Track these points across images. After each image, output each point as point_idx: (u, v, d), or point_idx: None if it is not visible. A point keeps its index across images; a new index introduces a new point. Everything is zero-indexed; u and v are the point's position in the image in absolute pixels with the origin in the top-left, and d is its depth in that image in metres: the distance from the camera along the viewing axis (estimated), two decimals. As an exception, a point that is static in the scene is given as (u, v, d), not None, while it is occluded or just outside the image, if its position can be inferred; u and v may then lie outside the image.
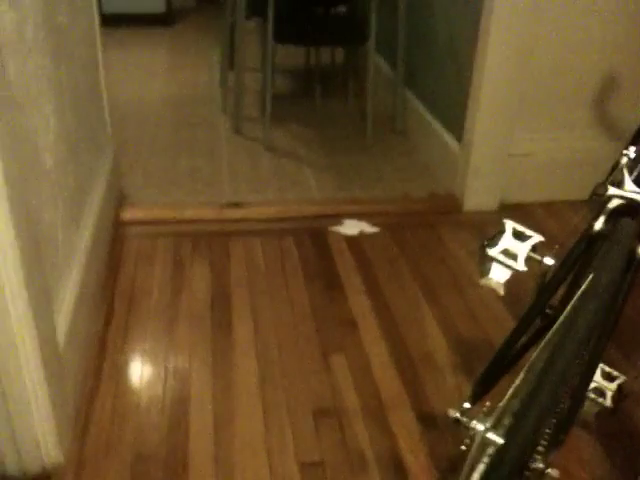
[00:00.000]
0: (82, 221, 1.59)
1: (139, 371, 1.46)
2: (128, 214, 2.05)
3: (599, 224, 0.82)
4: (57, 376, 1.21)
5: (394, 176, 2.37)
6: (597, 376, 1.14)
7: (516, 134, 2.09)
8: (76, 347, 1.38)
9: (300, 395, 1.41)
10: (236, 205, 2.13)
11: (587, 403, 1.12)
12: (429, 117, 2.45)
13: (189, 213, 2.09)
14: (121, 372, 1.46)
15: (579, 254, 0.91)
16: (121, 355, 1.50)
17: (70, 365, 1.32)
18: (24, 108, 1.15)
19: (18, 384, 1.11)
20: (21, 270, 1.04)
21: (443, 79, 2.33)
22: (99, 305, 1.65)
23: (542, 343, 0.92)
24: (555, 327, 0.90)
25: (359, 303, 1.70)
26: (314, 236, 1.99)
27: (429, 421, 1.36)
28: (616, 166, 0.86)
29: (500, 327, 1.63)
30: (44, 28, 1.30)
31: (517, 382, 0.91)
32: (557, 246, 0.94)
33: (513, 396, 0.90)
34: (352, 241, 1.97)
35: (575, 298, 0.86)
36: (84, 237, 1.57)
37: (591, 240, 0.86)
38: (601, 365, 1.15)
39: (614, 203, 0.80)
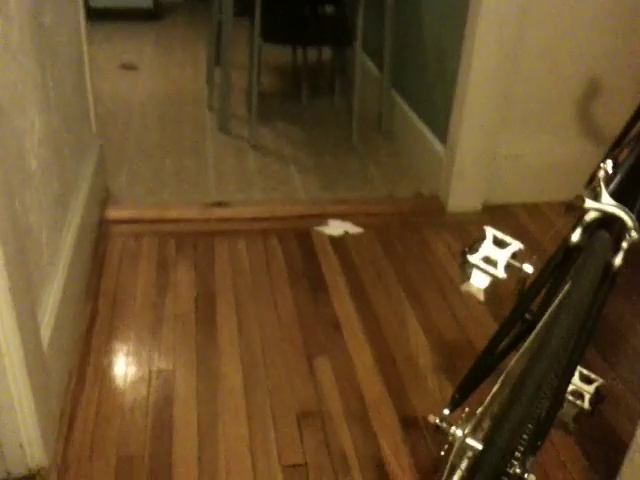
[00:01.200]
0: (67, 222, 1.59)
1: (123, 372, 1.47)
2: (113, 213, 2.05)
3: (576, 236, 0.84)
4: (41, 378, 1.22)
5: (379, 177, 2.38)
6: (575, 379, 1.16)
7: (501, 137, 2.11)
8: (60, 348, 1.38)
9: (284, 397, 1.42)
10: (221, 204, 2.14)
11: (566, 405, 1.14)
12: (415, 118, 2.46)
13: (174, 212, 2.09)
14: (105, 373, 1.46)
15: (557, 263, 0.92)
16: (105, 356, 1.51)
17: (54, 366, 1.32)
18: (8, 111, 1.15)
19: (2, 386, 1.11)
20: (5, 273, 1.04)
21: (429, 81, 2.35)
22: (83, 306, 1.65)
23: (520, 350, 0.94)
24: (533, 335, 0.92)
25: (343, 305, 1.72)
26: (299, 236, 2.00)
27: (411, 423, 1.38)
28: (593, 177, 0.88)
29: (482, 329, 1.65)
30: (29, 30, 1.30)
31: (495, 389, 0.93)
32: (535, 257, 0.95)
33: (491, 402, 0.92)
34: (337, 241, 1.99)
35: (552, 307, 0.88)
36: (68, 238, 1.57)
37: (569, 250, 0.87)
38: (579, 368, 1.17)
39: (591, 215, 0.82)
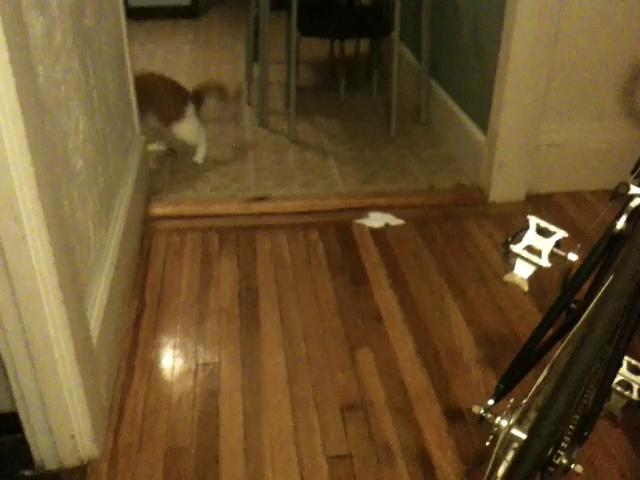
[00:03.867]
0: (112, 219, 1.63)
1: (170, 365, 1.50)
2: (157, 209, 2.08)
3: (621, 223, 0.82)
4: (91, 371, 1.25)
5: (419, 168, 2.37)
6: (623, 369, 1.14)
7: (542, 125, 2.07)
8: (109, 343, 1.42)
9: (327, 389, 1.43)
10: (262, 199, 2.15)
11: (614, 396, 1.12)
12: (454, 108, 2.44)
13: (216, 208, 2.12)
14: (153, 366, 1.49)
15: (602, 252, 0.91)
16: (152, 350, 1.54)
17: (103, 360, 1.36)
18: (53, 112, 1.18)
19: (53, 380, 1.15)
20: (55, 270, 1.07)
21: (468, 70, 2.32)
22: (130, 300, 1.69)
23: (565, 340, 0.93)
24: (577, 325, 0.91)
25: (385, 297, 1.72)
26: (339, 229, 2.01)
27: (455, 415, 1.37)
28: (639, 164, 0.86)
29: (526, 320, 1.64)
30: (72, 32, 1.33)
31: (540, 379, 0.92)
32: (579, 245, 0.94)
33: (537, 393, 0.91)
34: (377, 234, 1.99)
35: (597, 297, 0.87)
36: (114, 234, 1.60)
37: (613, 238, 0.86)
38: (627, 358, 1.15)
39: (636, 202, 0.81)
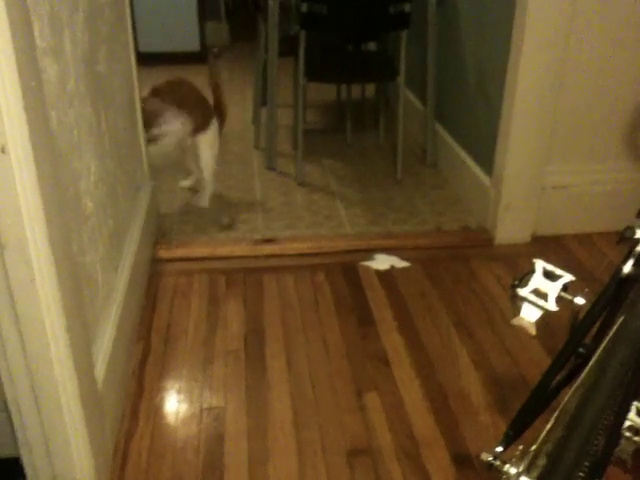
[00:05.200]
0: (121, 260, 1.64)
1: (175, 410, 1.49)
2: (165, 252, 2.10)
3: (628, 267, 0.82)
4: (96, 416, 1.24)
5: (426, 210, 2.38)
6: (632, 414, 1.13)
7: (548, 167, 2.09)
8: (114, 385, 1.41)
9: (334, 434, 1.41)
10: (269, 241, 2.16)
11: (623, 442, 1.11)
12: (460, 151, 2.46)
13: (223, 250, 2.13)
14: (158, 410, 1.48)
15: (610, 295, 0.91)
16: (158, 393, 1.53)
17: (108, 403, 1.35)
18: (65, 156, 1.20)
19: (59, 425, 1.14)
20: (62, 313, 1.07)
21: (473, 113, 2.35)
22: (136, 342, 1.68)
23: (575, 385, 0.92)
24: (587, 369, 0.90)
25: (392, 340, 1.71)
26: (346, 271, 2.01)
27: (464, 461, 1.35)
28: (645, 208, 0.87)
29: (534, 363, 1.62)
30: (84, 77, 1.36)
31: (550, 425, 0.91)
32: (587, 289, 0.94)
33: (546, 439, 0.90)
34: (383, 276, 1.99)
35: (606, 341, 0.86)
36: (122, 276, 1.61)
37: (621, 282, 0.86)
38: (636, 403, 1.14)
39: (643, 246, 0.81)
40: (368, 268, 2.02)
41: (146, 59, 3.97)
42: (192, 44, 4.29)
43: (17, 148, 0.94)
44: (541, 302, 0.98)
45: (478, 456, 1.35)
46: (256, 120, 3.05)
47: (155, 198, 2.19)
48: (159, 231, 2.19)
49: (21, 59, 0.94)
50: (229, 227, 2.16)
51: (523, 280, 1.00)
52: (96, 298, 1.37)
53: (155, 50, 4.16)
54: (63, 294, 1.07)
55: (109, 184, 1.55)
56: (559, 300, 0.97)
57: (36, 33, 1.06)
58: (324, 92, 3.41)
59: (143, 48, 4.04)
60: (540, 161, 2.07)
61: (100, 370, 1.31)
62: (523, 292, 0.99)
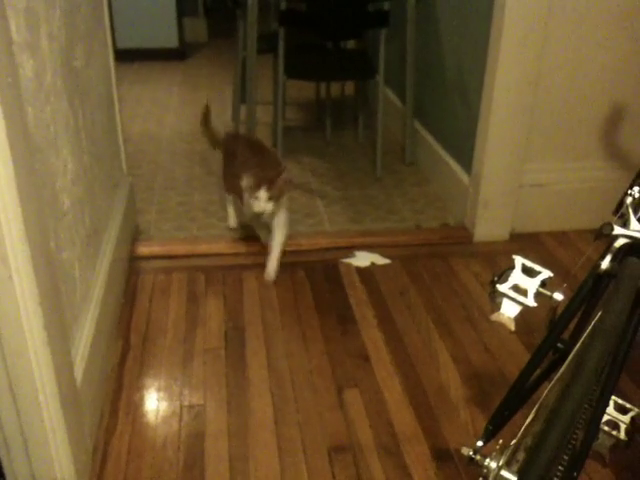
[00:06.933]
0: (98, 258, 1.62)
1: (155, 408, 1.48)
2: (143, 249, 2.08)
3: (605, 263, 0.83)
4: (75, 414, 1.23)
5: (405, 207, 2.39)
6: (610, 409, 1.15)
7: (526, 165, 2.11)
8: (93, 384, 1.40)
9: (315, 431, 1.42)
10: (249, 238, 2.15)
11: (601, 436, 1.12)
12: (439, 149, 2.47)
13: (203, 247, 2.12)
14: (137, 409, 1.47)
15: (587, 291, 0.92)
16: (137, 391, 1.52)
17: (87, 402, 1.34)
18: (42, 152, 1.19)
19: (37, 424, 1.13)
20: (40, 312, 1.06)
21: (452, 111, 2.36)
22: (115, 340, 1.67)
23: (553, 380, 0.93)
24: (566, 364, 0.91)
25: (372, 336, 1.71)
26: (326, 268, 2.01)
27: (444, 456, 1.36)
28: (621, 204, 0.88)
29: (513, 359, 1.64)
30: (62, 73, 1.34)
31: (529, 419, 0.92)
32: (565, 285, 0.95)
33: (525, 434, 0.91)
34: (364, 273, 1.99)
35: (584, 336, 0.87)
36: (100, 274, 1.59)
37: (598, 278, 0.87)
38: (614, 398, 1.15)
39: (620, 242, 0.82)
40: (349, 265, 2.03)
41: (124, 55, 3.96)
42: (170, 40, 4.26)
43: (-7, 144, 0.93)
44: (520, 298, 0.99)
45: (458, 451, 1.36)
46: (235, 117, 3.04)
47: (133, 195, 2.17)
48: (137, 228, 2.18)
49: (-3, 54, 0.92)
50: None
51: (502, 276, 1.01)
52: (74, 296, 1.36)
53: (133, 46, 4.13)
54: (40, 291, 1.06)
55: (86, 181, 1.53)
56: (538, 296, 0.98)
57: (12, 28, 1.04)
58: (304, 90, 3.41)
59: (121, 44, 4.01)
60: (518, 159, 2.09)
61: (79, 368, 1.30)
62: (502, 288, 1.00)
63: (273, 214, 1.93)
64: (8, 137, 0.95)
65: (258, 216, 1.94)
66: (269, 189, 1.84)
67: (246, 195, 1.89)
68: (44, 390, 1.11)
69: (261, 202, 1.85)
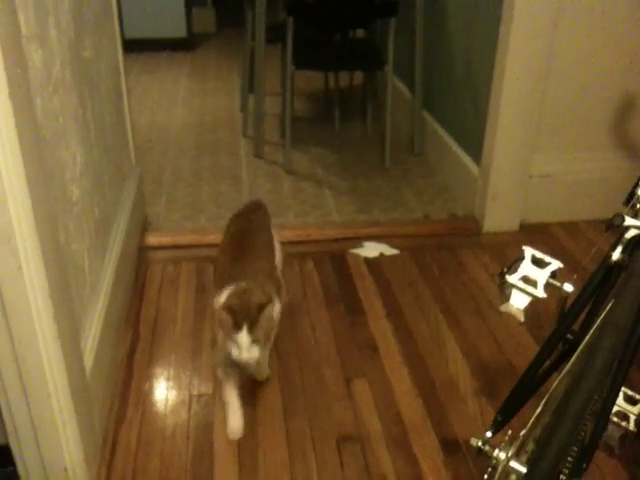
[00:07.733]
0: (108, 249, 1.63)
1: (164, 397, 1.48)
2: (152, 240, 2.08)
3: (617, 254, 0.83)
4: (84, 404, 1.24)
5: (413, 198, 2.38)
6: (620, 400, 1.14)
7: (535, 156, 2.09)
8: (103, 373, 1.41)
9: (323, 422, 1.42)
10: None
11: (610, 427, 1.12)
12: (447, 139, 2.46)
13: (211, 237, 2.11)
14: (147, 398, 1.48)
15: (598, 282, 0.91)
16: (146, 381, 1.52)
17: (97, 391, 1.35)
18: (51, 144, 1.19)
19: (47, 413, 1.13)
20: (50, 303, 1.07)
21: (461, 101, 2.35)
22: (124, 331, 1.68)
23: (563, 371, 0.93)
24: (575, 355, 0.91)
25: (380, 327, 1.71)
26: (334, 259, 2.01)
27: (452, 446, 1.36)
28: (632, 195, 0.87)
29: (522, 350, 1.63)
30: (70, 65, 1.34)
31: (538, 411, 0.92)
32: (575, 276, 0.94)
33: (535, 425, 0.90)
34: (372, 263, 1.99)
35: (595, 327, 0.87)
36: (110, 265, 1.60)
37: (609, 269, 0.86)
38: (624, 389, 1.15)
39: (631, 233, 0.81)
40: (357, 256, 2.02)
41: (132, 45, 3.95)
42: (179, 30, 4.25)
43: (3, 136, 0.93)
44: (530, 289, 0.98)
45: (466, 442, 1.36)
46: (244, 108, 3.03)
47: (141, 186, 2.17)
48: (146, 219, 2.18)
49: (6, 46, 0.92)
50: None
51: (512, 267, 1.01)
52: (83, 286, 1.36)
53: (141, 36, 4.12)
54: (50, 282, 1.06)
55: (95, 172, 1.53)
56: (547, 287, 0.98)
57: (21, 20, 1.04)
58: (312, 80, 3.40)
59: (129, 34, 3.98)
60: (528, 150, 2.07)
61: (88, 358, 1.31)
62: (512, 279, 0.99)
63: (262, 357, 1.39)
64: (17, 128, 0.95)
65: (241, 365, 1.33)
66: (251, 329, 1.24)
67: (220, 334, 1.32)
68: (54, 380, 1.12)
69: (243, 349, 1.25)
